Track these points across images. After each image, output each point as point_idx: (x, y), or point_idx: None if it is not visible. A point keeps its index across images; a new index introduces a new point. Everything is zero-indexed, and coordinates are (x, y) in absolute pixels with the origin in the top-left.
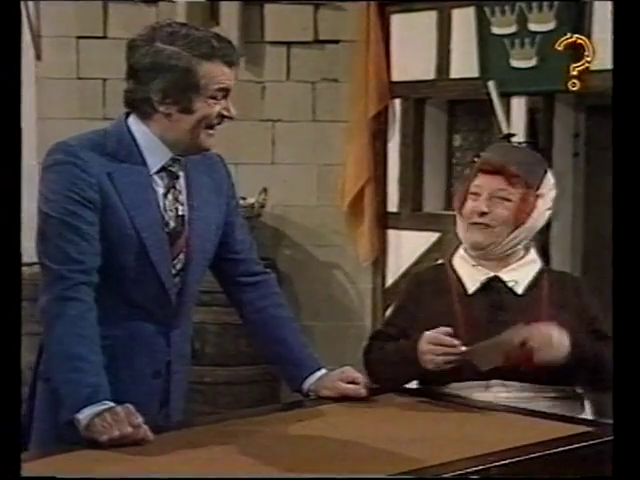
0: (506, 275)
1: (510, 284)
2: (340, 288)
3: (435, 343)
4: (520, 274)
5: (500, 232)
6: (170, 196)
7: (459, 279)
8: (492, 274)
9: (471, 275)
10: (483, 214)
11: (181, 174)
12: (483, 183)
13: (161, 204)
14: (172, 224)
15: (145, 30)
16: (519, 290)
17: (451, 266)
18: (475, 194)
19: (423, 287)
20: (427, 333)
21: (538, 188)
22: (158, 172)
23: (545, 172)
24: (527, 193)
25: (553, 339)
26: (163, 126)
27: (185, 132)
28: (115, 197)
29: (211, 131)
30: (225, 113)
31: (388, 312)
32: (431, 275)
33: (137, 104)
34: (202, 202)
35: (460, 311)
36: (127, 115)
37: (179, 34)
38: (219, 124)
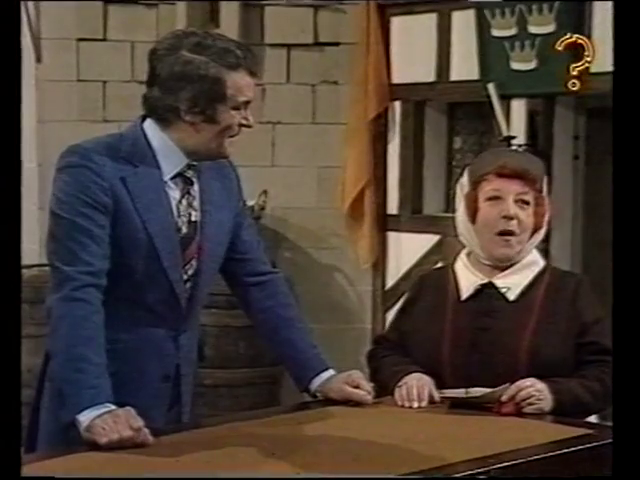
0: (501, 281)
1: (503, 290)
2: (340, 290)
3: (400, 392)
4: (517, 278)
5: (522, 239)
6: (184, 202)
7: (457, 285)
8: (486, 280)
9: (468, 281)
10: (511, 218)
11: (195, 180)
12: (503, 187)
13: (175, 210)
14: (184, 230)
15: (169, 38)
16: (511, 296)
17: (453, 270)
18: (495, 198)
19: (424, 291)
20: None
21: (543, 190)
22: (173, 178)
23: (544, 173)
24: (540, 197)
25: (540, 394)
26: (185, 134)
27: (207, 141)
28: (128, 202)
29: (232, 140)
30: (244, 122)
31: (392, 315)
32: (433, 279)
33: (160, 111)
34: (214, 207)
35: (449, 318)
36: (143, 119)
37: (205, 44)
38: (238, 133)
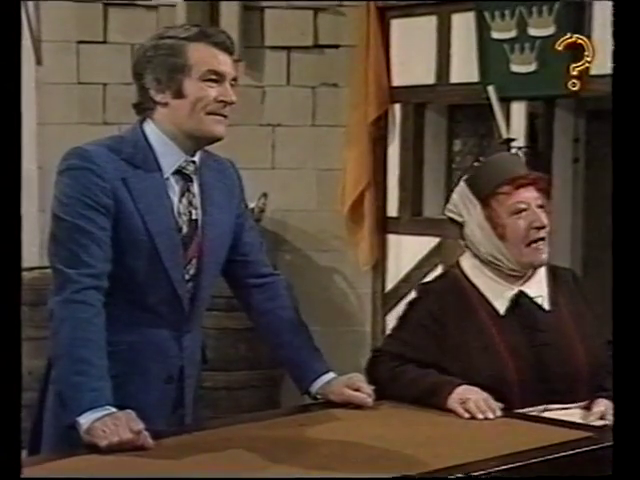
0: (530, 290)
1: (538, 300)
2: (340, 293)
3: (468, 406)
4: (540, 286)
5: (547, 242)
6: (184, 200)
7: (482, 295)
8: (517, 289)
9: (495, 291)
10: (541, 228)
11: (195, 177)
12: (525, 198)
13: (175, 209)
14: (185, 229)
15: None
16: (546, 305)
17: (466, 278)
18: (521, 211)
19: (441, 303)
20: (463, 391)
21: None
22: (173, 175)
23: None
24: (545, 198)
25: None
26: (164, 118)
27: (184, 119)
28: (129, 203)
29: (218, 117)
30: (223, 98)
31: (396, 328)
32: (445, 288)
33: (140, 104)
34: (215, 206)
35: (495, 334)
36: (142, 121)
37: (167, 34)
38: (225, 111)
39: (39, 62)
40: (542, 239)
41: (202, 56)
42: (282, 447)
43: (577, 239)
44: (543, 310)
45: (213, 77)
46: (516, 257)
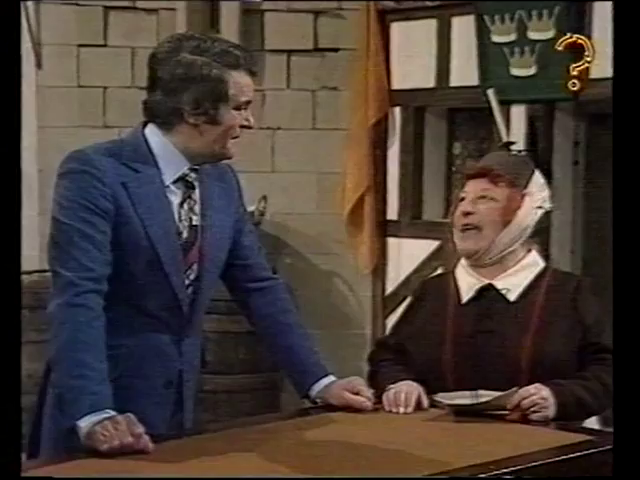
0: (501, 282)
1: (503, 292)
2: (340, 296)
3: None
4: (516, 279)
5: (488, 234)
6: (185, 206)
7: (457, 288)
8: (486, 282)
9: (468, 284)
10: (468, 214)
11: (197, 184)
12: (468, 188)
13: (176, 214)
14: (185, 234)
15: (168, 42)
16: (512, 297)
17: (453, 275)
18: (462, 199)
19: (425, 296)
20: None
21: (525, 187)
22: (175, 182)
23: (532, 172)
24: (513, 192)
25: (544, 402)
26: (188, 137)
27: (211, 143)
28: (129, 207)
29: (235, 141)
30: (245, 123)
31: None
32: (434, 284)
33: (162, 115)
34: (214, 212)
35: (451, 322)
36: (144, 125)
37: (205, 46)
38: (240, 134)
39: (39, 65)
40: (468, 226)
41: (241, 86)
42: (282, 451)
43: (577, 241)
44: (507, 301)
45: (245, 106)
46: (456, 242)
